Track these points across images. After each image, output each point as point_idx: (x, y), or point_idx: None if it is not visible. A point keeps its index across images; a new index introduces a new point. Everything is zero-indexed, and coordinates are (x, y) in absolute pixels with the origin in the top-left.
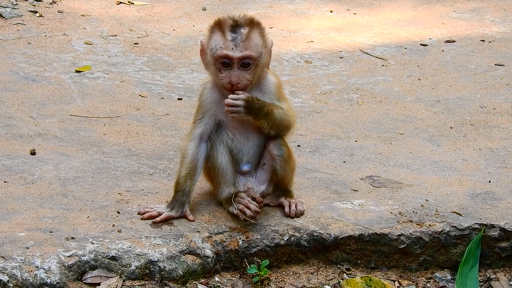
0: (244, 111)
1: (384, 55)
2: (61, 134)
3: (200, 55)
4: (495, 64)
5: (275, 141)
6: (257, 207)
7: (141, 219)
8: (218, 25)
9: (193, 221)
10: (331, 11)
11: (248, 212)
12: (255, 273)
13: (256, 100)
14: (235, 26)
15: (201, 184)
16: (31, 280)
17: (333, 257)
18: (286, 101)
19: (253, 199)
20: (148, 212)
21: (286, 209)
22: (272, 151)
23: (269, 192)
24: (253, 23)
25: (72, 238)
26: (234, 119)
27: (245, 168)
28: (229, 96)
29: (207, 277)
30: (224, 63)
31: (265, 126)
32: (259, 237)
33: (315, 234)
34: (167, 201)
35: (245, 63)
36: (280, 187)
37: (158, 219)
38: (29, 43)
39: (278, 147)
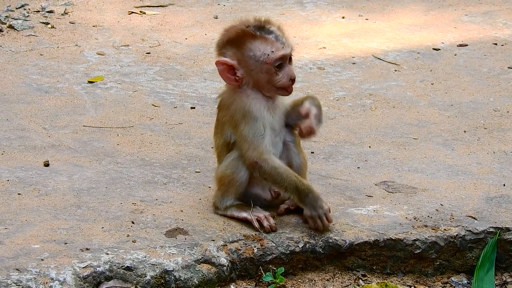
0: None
1: (397, 60)
2: (75, 145)
3: (223, 75)
4: (508, 67)
5: (287, 131)
6: (275, 225)
7: (322, 230)
8: (247, 35)
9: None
10: (343, 17)
11: (266, 224)
12: (271, 280)
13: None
14: (263, 28)
15: (209, 192)
16: None
17: (348, 263)
18: None
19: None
20: (315, 222)
21: (310, 223)
22: (286, 139)
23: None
24: (268, 20)
25: (87, 249)
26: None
27: None
28: (311, 126)
29: (222, 286)
30: (279, 65)
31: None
32: (274, 244)
33: (330, 240)
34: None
35: (291, 57)
36: None
37: (326, 222)
38: (41, 55)
39: (289, 134)
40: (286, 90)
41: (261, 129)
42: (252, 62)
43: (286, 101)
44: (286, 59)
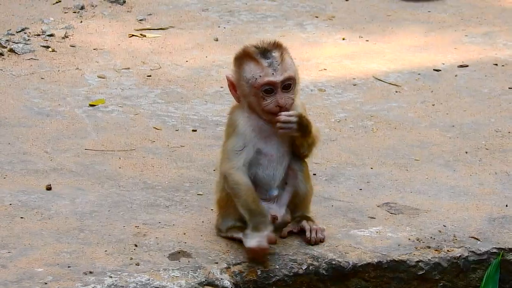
0: (296, 127)
1: (398, 81)
2: (77, 168)
3: (229, 90)
4: (509, 88)
5: (295, 159)
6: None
7: (254, 259)
8: (247, 56)
9: (275, 242)
10: (343, 39)
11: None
12: None
13: (305, 116)
14: (265, 51)
15: (211, 215)
16: None
17: (352, 285)
18: (312, 123)
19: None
20: (255, 250)
21: (307, 233)
22: (293, 166)
23: (288, 217)
24: (278, 45)
25: (90, 272)
26: (281, 134)
27: (275, 193)
28: (282, 113)
29: None
30: (267, 90)
31: (305, 144)
32: (277, 266)
33: (333, 262)
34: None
35: (287, 85)
36: (298, 212)
37: (265, 244)
38: (42, 78)
39: (298, 162)
40: (274, 115)
41: (239, 145)
42: (244, 83)
43: None
44: (275, 86)
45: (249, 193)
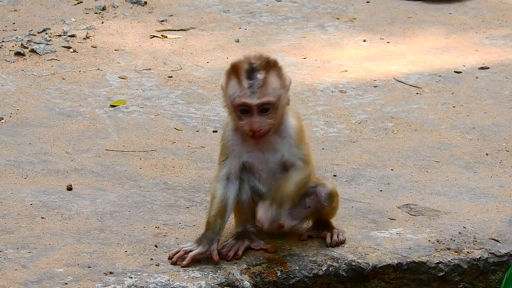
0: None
1: (418, 83)
2: (97, 169)
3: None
4: None
5: (323, 185)
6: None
7: (171, 263)
8: (234, 71)
9: (217, 262)
10: (364, 40)
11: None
12: None
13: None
14: (251, 71)
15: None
16: None
17: (371, 286)
18: (306, 147)
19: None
20: (175, 254)
21: (327, 239)
22: (320, 196)
23: (300, 226)
24: (269, 65)
25: (111, 272)
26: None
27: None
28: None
29: None
30: (243, 110)
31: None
32: (297, 267)
33: (353, 263)
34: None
35: (264, 108)
36: (320, 222)
37: (184, 262)
38: (63, 79)
39: (326, 192)
40: (249, 136)
41: (223, 157)
42: (227, 98)
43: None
44: (251, 108)
45: (216, 206)
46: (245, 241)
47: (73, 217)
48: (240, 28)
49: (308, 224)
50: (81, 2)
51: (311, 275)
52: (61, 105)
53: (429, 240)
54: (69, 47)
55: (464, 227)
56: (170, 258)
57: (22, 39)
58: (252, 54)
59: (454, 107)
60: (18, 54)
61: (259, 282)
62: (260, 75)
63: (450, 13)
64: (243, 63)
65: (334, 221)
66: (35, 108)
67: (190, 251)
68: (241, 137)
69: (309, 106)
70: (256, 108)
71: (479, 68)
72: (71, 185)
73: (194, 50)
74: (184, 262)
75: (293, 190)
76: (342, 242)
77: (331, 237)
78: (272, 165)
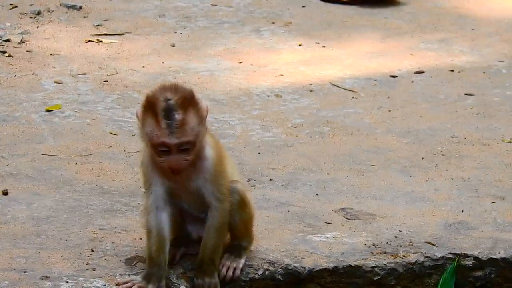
0: None
1: (354, 87)
2: (33, 173)
3: (137, 119)
4: (465, 94)
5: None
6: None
7: None
8: (151, 107)
9: None
10: (299, 45)
11: None
12: None
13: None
14: (168, 110)
15: None
16: None
17: None
18: (225, 180)
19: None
20: (125, 285)
21: (222, 269)
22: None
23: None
24: (185, 103)
25: (47, 277)
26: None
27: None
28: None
29: None
30: (162, 149)
31: None
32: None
33: (289, 267)
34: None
35: (183, 148)
36: (235, 240)
37: None
38: None
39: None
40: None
41: (147, 186)
42: (144, 134)
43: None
44: (170, 148)
45: (155, 241)
46: (181, 248)
47: (9, 222)
48: (175, 32)
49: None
50: (16, 6)
51: (248, 279)
52: None
53: (365, 244)
54: (4, 52)
55: (400, 230)
56: (118, 285)
57: None
58: (168, 85)
59: (390, 111)
60: None
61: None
62: (178, 116)
63: (385, 18)
64: (159, 100)
65: (270, 226)
66: None
67: (140, 287)
68: (160, 167)
69: (245, 110)
70: (175, 148)
71: (414, 72)
72: (6, 190)
73: (130, 54)
74: None
75: (216, 240)
76: (231, 279)
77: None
78: (193, 191)
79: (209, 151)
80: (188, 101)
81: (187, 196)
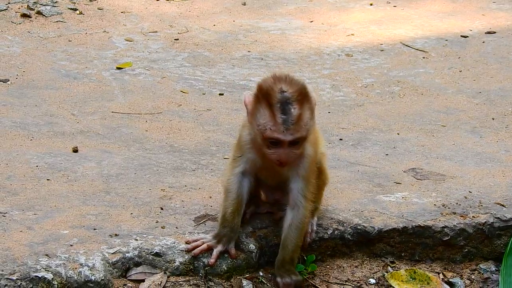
0: None
1: (425, 47)
2: (103, 131)
3: (245, 105)
4: None
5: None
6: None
7: (187, 250)
8: (266, 99)
9: (235, 258)
10: (371, 4)
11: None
12: (302, 270)
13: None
14: (285, 103)
15: None
16: (76, 277)
17: (377, 250)
18: (312, 179)
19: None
20: (197, 247)
21: None
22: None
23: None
24: (301, 96)
25: (116, 235)
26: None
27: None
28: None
29: (251, 272)
30: (273, 142)
31: None
32: None
33: (358, 227)
34: (213, 233)
35: (295, 142)
36: None
37: (212, 260)
38: (69, 41)
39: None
40: (275, 164)
41: (238, 153)
42: (255, 123)
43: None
44: (283, 143)
45: (233, 203)
46: (251, 206)
47: (79, 179)
48: None
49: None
50: None
51: (317, 238)
52: (67, 67)
53: (434, 205)
54: (75, 9)
55: (469, 191)
56: (187, 243)
57: (28, 1)
58: (281, 75)
59: (460, 71)
60: (24, 16)
61: (265, 245)
62: (294, 110)
63: None
64: (275, 91)
65: (339, 185)
66: (41, 70)
67: (211, 247)
68: (259, 150)
69: (315, 69)
70: (288, 143)
71: (485, 33)
72: (77, 147)
73: (201, 12)
74: (212, 260)
75: (297, 240)
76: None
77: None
78: (281, 177)
79: (308, 149)
80: (304, 94)
81: (270, 174)
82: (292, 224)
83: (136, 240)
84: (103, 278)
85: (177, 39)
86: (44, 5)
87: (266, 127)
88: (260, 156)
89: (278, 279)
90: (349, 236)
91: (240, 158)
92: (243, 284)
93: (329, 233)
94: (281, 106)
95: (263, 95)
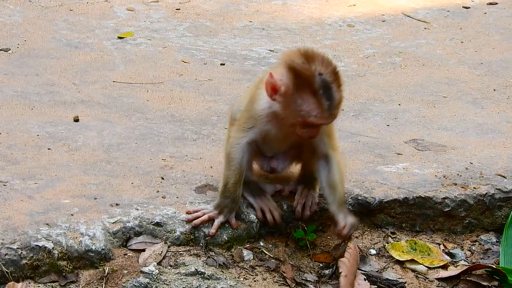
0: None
1: (427, 18)
2: (104, 100)
3: (266, 86)
4: None
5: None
6: (279, 217)
7: (193, 226)
8: (308, 84)
9: (236, 228)
10: None
11: (269, 216)
12: (301, 237)
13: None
14: (328, 88)
15: None
16: (76, 246)
17: (378, 221)
18: (334, 132)
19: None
20: (198, 217)
21: (298, 208)
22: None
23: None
24: (337, 76)
25: (117, 204)
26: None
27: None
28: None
29: (252, 242)
30: (311, 125)
31: None
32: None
33: (359, 198)
34: (213, 203)
35: None
36: (306, 171)
37: (213, 230)
38: (71, 10)
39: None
40: (302, 137)
41: (249, 125)
42: (292, 106)
43: None
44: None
45: (235, 173)
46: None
47: (80, 149)
48: None
49: (296, 167)
50: None
51: (318, 209)
52: (68, 36)
53: (435, 175)
54: None
55: (470, 162)
56: (188, 213)
57: None
58: (308, 53)
59: (462, 42)
60: None
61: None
62: (336, 94)
63: None
64: (314, 75)
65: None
66: (42, 39)
67: (212, 218)
68: (281, 124)
69: (317, 40)
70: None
71: (487, 4)
72: (77, 117)
73: None
74: (213, 230)
75: (343, 182)
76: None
77: (303, 208)
78: (293, 144)
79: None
80: (337, 73)
81: (283, 142)
82: (336, 172)
83: (137, 209)
84: (103, 247)
85: (179, 9)
86: None
87: (311, 114)
88: (279, 128)
89: (347, 219)
90: (350, 207)
91: (250, 129)
92: (244, 254)
93: None
94: (324, 92)
95: (304, 83)
